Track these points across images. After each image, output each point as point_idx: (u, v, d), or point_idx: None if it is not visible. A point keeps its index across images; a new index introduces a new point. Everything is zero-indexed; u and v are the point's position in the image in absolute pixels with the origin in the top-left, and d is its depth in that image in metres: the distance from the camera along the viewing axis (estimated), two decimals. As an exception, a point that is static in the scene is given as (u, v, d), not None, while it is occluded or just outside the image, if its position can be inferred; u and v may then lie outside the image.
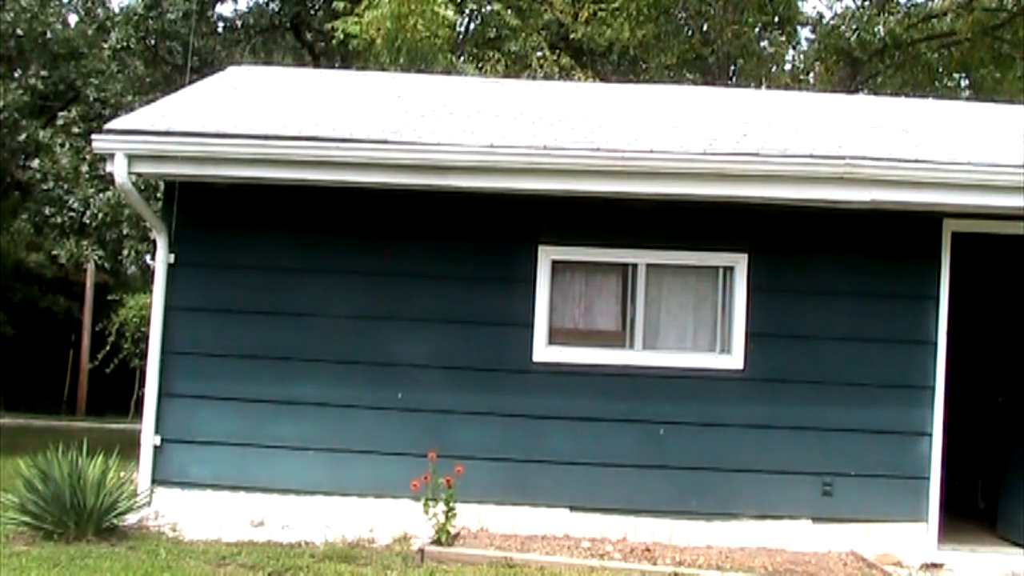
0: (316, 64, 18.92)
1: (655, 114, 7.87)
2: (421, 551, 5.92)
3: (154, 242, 7.09)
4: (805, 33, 19.12)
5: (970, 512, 7.96)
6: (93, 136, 6.70)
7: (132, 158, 6.48)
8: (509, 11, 16.88)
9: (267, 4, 19.10)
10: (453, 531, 6.18)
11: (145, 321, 12.30)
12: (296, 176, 6.54)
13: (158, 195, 9.04)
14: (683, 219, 6.86)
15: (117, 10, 16.79)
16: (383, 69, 13.34)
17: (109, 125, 6.82)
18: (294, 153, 6.44)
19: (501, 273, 6.93)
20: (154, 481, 6.80)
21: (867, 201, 6.34)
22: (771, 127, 7.34)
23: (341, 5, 14.75)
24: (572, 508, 6.68)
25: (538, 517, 6.66)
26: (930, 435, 6.70)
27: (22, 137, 14.45)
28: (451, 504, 6.12)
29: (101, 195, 13.67)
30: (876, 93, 16.84)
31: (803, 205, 6.52)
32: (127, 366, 17.43)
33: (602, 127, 7.10)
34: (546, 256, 6.88)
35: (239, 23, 18.95)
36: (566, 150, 6.41)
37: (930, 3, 18.34)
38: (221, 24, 18.92)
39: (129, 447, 7.30)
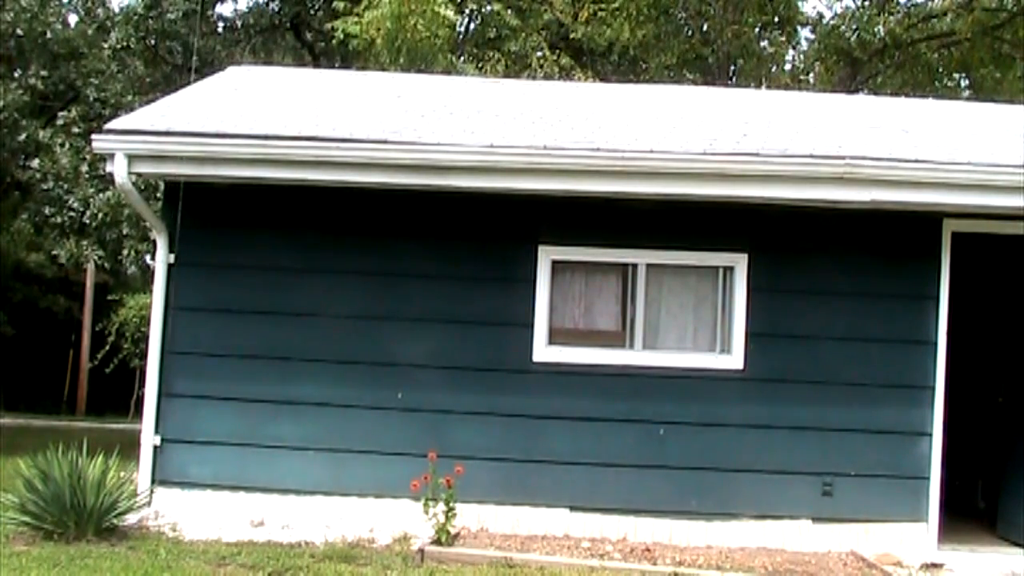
0: (316, 64, 18.92)
1: (655, 114, 7.87)
2: (421, 551, 5.92)
3: (154, 242, 7.09)
4: (805, 33, 19.14)
5: (970, 512, 7.96)
6: (93, 136, 6.70)
7: (132, 158, 6.49)
8: (509, 11, 16.88)
9: (267, 4, 19.11)
10: (453, 531, 6.18)
11: (145, 321, 12.32)
12: (296, 176, 6.54)
13: (158, 195, 9.05)
14: (683, 219, 6.86)
15: (117, 10, 16.79)
16: (383, 69, 13.34)
17: (109, 125, 6.82)
18: (294, 153, 6.44)
19: (501, 273, 6.93)
20: (154, 481, 6.80)
21: (867, 201, 6.34)
22: (771, 127, 7.35)
23: (341, 5, 14.75)
24: (572, 508, 6.68)
25: (538, 517, 6.66)
26: (930, 435, 6.70)
27: (22, 137, 14.43)
28: (451, 504, 6.12)
29: (101, 195, 13.67)
30: (876, 93, 16.84)
31: (803, 205, 6.52)
32: (127, 366, 17.45)
33: (602, 127, 7.10)
34: (546, 256, 6.88)
35: (239, 23, 18.95)
36: (566, 150, 6.41)
37: (930, 3, 18.33)
38: (221, 24, 18.92)
39: (129, 447, 7.30)
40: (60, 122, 14.91)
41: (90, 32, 16.35)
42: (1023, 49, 16.77)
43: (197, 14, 16.16)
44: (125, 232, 13.81)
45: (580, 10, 17.30)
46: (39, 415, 22.75)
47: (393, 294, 6.93)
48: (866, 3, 18.15)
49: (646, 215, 6.84)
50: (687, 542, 6.56)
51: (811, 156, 6.35)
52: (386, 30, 13.39)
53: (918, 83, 17.78)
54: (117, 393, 24.65)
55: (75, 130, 14.51)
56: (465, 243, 6.98)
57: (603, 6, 16.72)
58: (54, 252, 15.50)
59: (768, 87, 17.88)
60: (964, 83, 19.80)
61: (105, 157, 6.90)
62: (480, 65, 16.12)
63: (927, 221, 6.77)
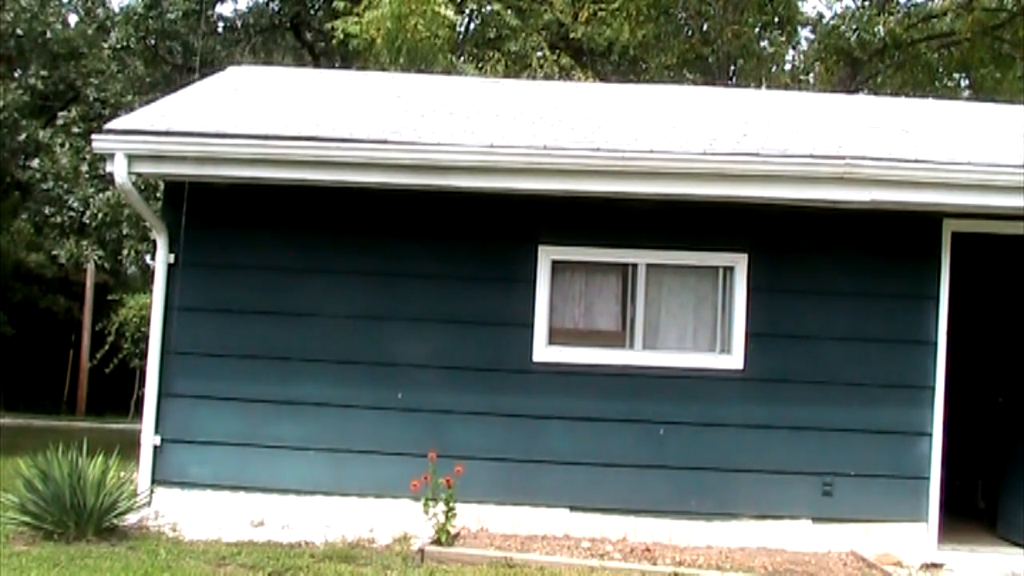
0: (316, 64, 18.92)
1: (655, 114, 7.87)
2: (421, 551, 5.92)
3: (154, 242, 7.09)
4: (805, 33, 19.13)
5: (970, 512, 7.96)
6: (93, 136, 6.71)
7: (132, 158, 6.49)
8: (509, 11, 16.86)
9: (267, 4, 19.11)
10: (453, 531, 6.18)
11: (145, 321, 12.30)
12: (296, 176, 6.54)
13: (158, 195, 9.05)
14: (683, 219, 6.86)
15: (117, 10, 16.79)
16: (383, 69, 13.35)
17: (109, 125, 6.82)
18: (294, 153, 6.45)
19: (501, 273, 6.93)
20: (154, 481, 6.80)
21: (867, 201, 6.34)
22: (771, 127, 7.35)
23: (341, 5, 14.75)
24: (572, 508, 6.68)
25: (538, 517, 6.66)
26: (930, 435, 6.70)
27: (22, 137, 14.45)
28: (451, 504, 6.12)
29: (101, 195, 13.67)
30: (876, 93, 16.85)
31: (803, 205, 6.52)
32: (127, 366, 17.43)
33: (602, 127, 7.10)
34: (546, 256, 6.88)
35: (239, 23, 18.95)
36: (566, 150, 6.42)
37: (930, 3, 18.33)
38: (221, 24, 18.92)
39: (129, 447, 7.29)
40: (60, 122, 14.92)
41: (90, 32, 16.36)
42: (1023, 49, 16.76)
43: (197, 14, 16.16)
44: (125, 232, 13.82)
45: (580, 10, 17.28)
46: (39, 415, 22.75)
47: (393, 294, 6.93)
48: (866, 3, 18.15)
49: (646, 215, 6.84)
50: (687, 542, 6.56)
51: (811, 156, 6.35)
52: (386, 30, 13.39)
53: (918, 83, 17.77)
54: (117, 393, 24.65)
55: (75, 130, 14.52)
56: (465, 243, 6.98)
57: (603, 6, 16.71)
58: (54, 252, 15.51)
59: (768, 87, 17.88)
60: (964, 83, 19.80)
61: (105, 157, 6.90)
62: (480, 65, 16.12)
63: (927, 221, 6.77)
